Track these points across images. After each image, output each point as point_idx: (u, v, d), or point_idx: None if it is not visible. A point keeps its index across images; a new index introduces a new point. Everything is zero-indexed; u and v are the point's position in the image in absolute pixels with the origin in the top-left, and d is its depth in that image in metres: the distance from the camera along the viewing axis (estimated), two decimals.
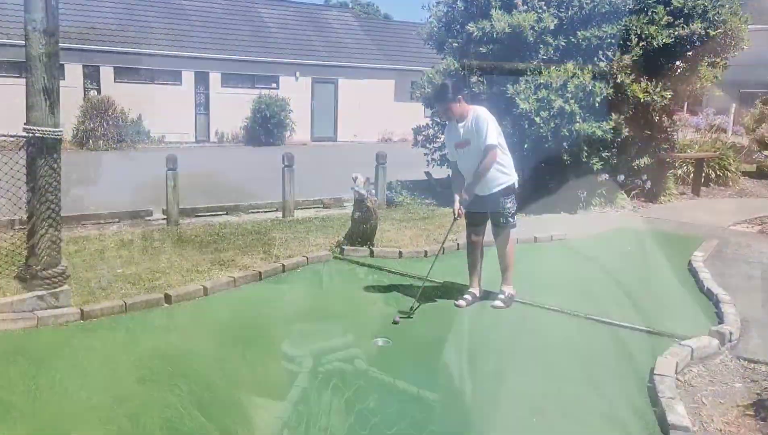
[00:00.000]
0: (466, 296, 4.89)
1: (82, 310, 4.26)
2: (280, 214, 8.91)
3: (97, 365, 3.53)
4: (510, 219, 4.80)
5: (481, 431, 2.97)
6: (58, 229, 4.30)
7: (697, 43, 9.66)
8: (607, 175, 9.72)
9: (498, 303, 4.83)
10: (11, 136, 4.05)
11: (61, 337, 3.92)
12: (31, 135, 4.05)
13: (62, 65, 4.52)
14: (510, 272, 4.94)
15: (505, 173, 4.72)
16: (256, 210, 9.86)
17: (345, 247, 6.31)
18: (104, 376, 3.41)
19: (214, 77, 22.83)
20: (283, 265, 5.61)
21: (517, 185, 4.89)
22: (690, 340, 4.11)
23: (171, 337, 4.00)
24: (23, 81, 4.17)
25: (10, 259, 4.67)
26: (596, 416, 3.17)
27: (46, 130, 4.07)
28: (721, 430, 3.13)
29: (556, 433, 2.99)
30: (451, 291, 5.15)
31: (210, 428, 2.88)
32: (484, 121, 4.55)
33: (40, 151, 4.11)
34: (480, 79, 9.50)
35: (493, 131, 4.58)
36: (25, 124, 4.09)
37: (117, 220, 8.55)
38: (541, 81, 8.92)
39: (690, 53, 9.91)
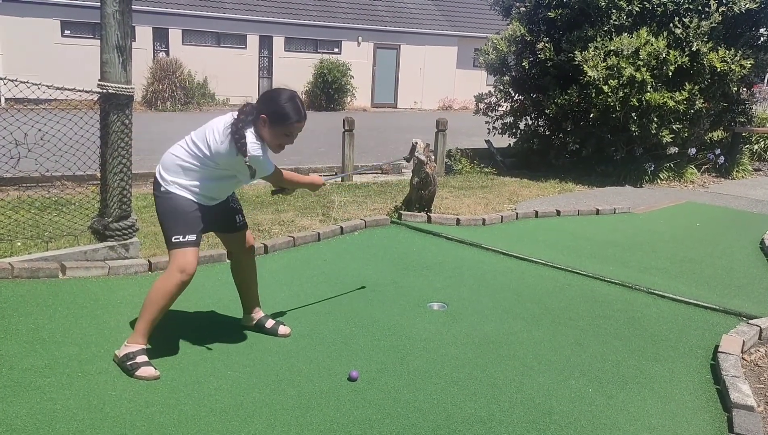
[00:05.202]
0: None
1: (150, 262, 4.44)
2: (339, 178, 8.99)
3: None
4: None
5: (533, 398, 2.96)
6: (129, 184, 4.46)
7: None
8: (677, 148, 9.36)
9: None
10: (86, 92, 4.20)
11: (131, 285, 4.11)
12: (104, 91, 4.19)
13: (133, 27, 4.64)
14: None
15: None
16: (316, 174, 9.97)
17: (403, 212, 6.32)
18: (169, 321, 3.56)
19: (278, 41, 23.03)
20: (342, 228, 5.68)
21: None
22: (759, 319, 3.96)
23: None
24: (97, 42, 4.31)
25: (84, 212, 4.90)
26: (654, 390, 3.11)
27: (118, 87, 4.20)
28: None
29: (612, 404, 2.95)
30: (509, 261, 5.11)
31: (271, 365, 2.99)
32: None
33: (113, 108, 4.25)
34: (547, 45, 9.24)
35: None
36: (99, 80, 4.23)
37: None
38: (612, 48, 8.60)
39: None
